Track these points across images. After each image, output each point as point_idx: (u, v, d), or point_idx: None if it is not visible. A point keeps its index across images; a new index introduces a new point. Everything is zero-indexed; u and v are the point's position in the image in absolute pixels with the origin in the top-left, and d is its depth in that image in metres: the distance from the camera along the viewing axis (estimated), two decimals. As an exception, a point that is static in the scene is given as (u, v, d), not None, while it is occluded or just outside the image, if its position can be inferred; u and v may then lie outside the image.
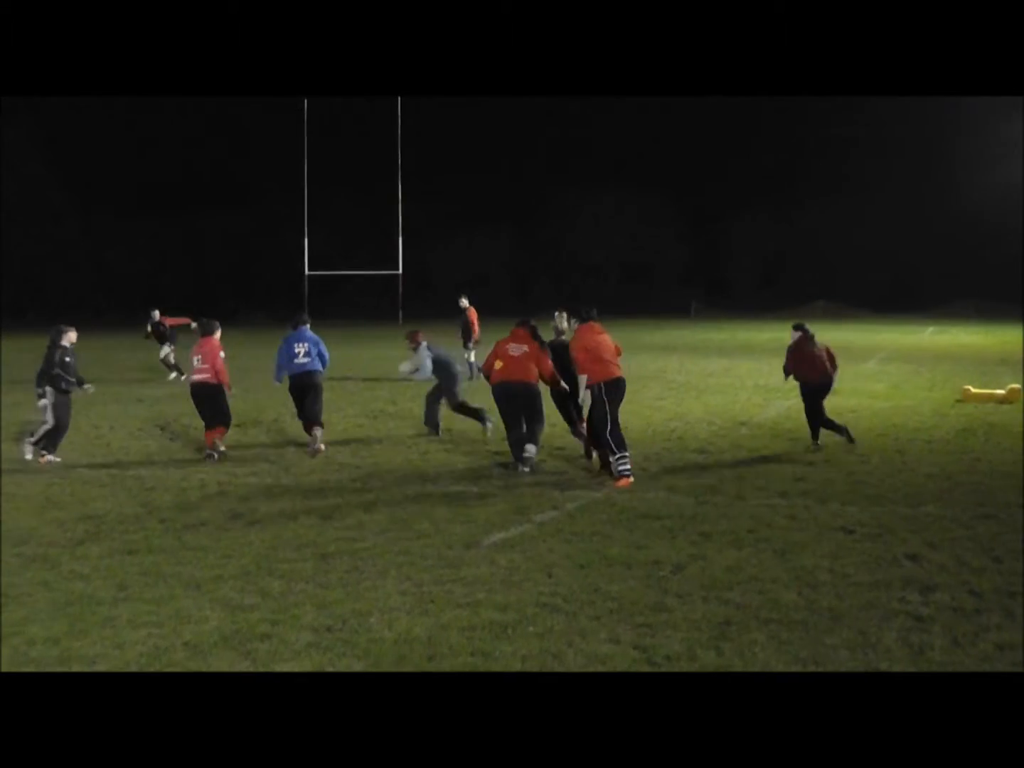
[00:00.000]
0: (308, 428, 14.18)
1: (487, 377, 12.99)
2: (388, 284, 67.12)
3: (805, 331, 14.08)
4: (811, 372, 13.70)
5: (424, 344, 15.51)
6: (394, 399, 20.34)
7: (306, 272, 61.15)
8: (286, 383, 14.57)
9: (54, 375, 13.30)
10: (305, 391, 14.28)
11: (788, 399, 19.16)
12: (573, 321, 12.68)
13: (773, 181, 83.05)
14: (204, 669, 5.95)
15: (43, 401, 13.36)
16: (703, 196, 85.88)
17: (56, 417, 13.39)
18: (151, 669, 5.99)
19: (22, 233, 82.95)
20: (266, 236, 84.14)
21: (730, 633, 6.46)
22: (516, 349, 12.57)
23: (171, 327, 26.40)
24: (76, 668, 6.03)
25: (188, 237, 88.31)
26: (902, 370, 26.18)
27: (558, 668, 5.89)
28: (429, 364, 15.37)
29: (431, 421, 15.47)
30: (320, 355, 14.54)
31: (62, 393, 13.40)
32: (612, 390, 11.70)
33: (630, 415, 16.70)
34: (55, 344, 13.53)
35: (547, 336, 13.08)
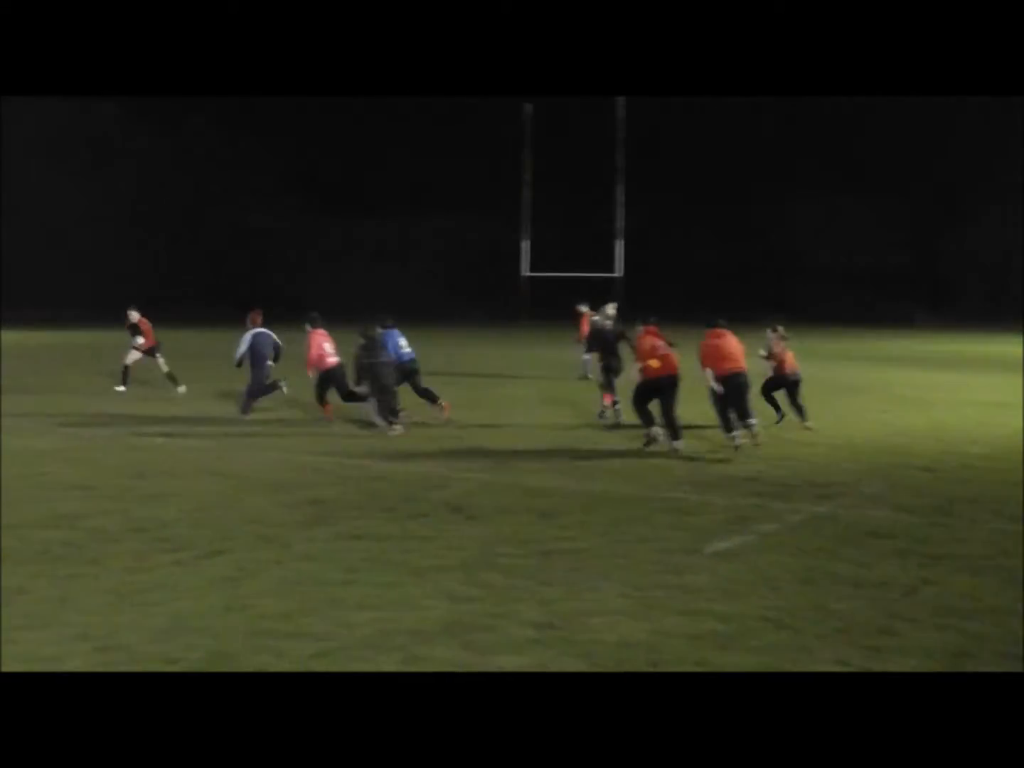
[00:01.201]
0: (433, 399, 16.95)
1: (640, 371, 14.33)
2: (607, 287, 67.12)
3: (720, 327, 14.92)
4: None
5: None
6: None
7: (525, 273, 61.80)
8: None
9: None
10: (413, 374, 17.01)
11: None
12: None
13: (1003, 183, 78.92)
14: (428, 655, 6.05)
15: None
16: (928, 199, 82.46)
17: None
18: (378, 651, 6.14)
19: (247, 234, 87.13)
20: (487, 237, 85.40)
21: (965, 664, 6.15)
22: (664, 347, 14.30)
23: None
24: (307, 643, 6.25)
25: (409, 237, 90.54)
26: None
27: (783, 684, 5.74)
28: (243, 346, 17.82)
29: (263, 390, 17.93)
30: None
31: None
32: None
33: (850, 427, 16.23)
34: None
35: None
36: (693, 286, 76.23)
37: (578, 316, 26.52)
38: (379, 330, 17.23)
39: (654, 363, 14.16)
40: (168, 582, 7.62)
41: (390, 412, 15.74)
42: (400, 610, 6.92)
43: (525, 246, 66.28)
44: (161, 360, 21.87)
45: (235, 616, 6.79)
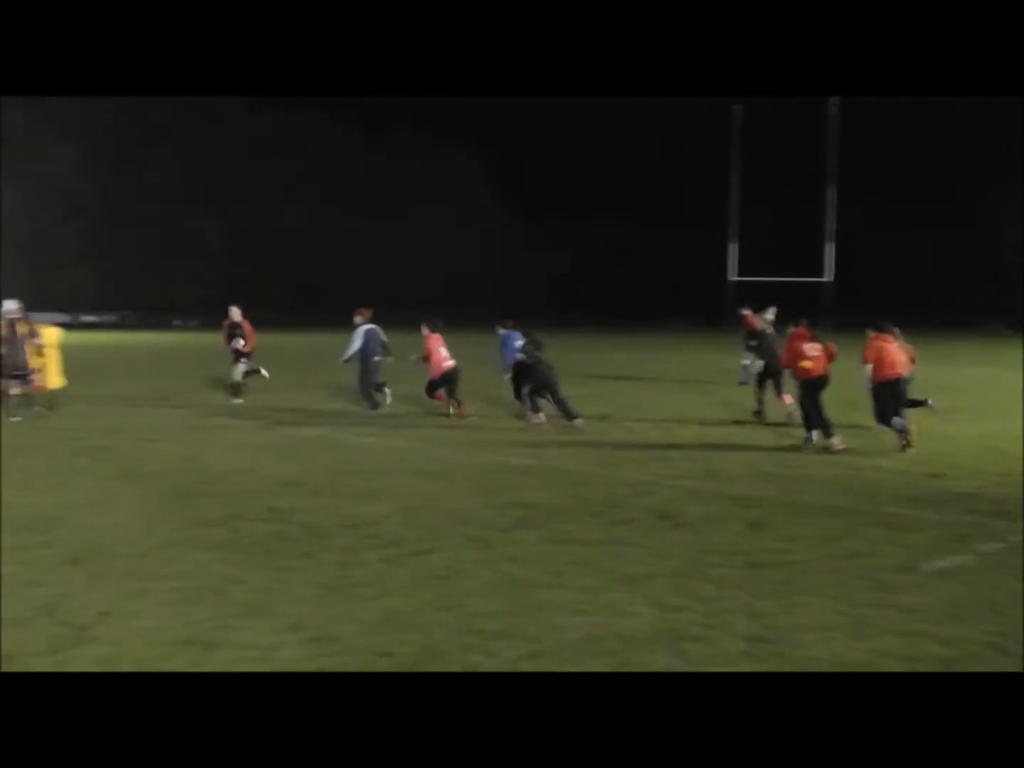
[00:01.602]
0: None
1: (795, 373, 15.20)
2: (816, 292, 65.52)
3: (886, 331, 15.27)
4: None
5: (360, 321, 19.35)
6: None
7: (732, 278, 61.03)
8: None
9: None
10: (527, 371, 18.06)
11: None
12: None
13: None
14: (639, 662, 5.99)
15: None
16: None
17: None
18: (589, 655, 6.11)
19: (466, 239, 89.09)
20: (693, 240, 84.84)
21: None
22: (813, 349, 14.99)
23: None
24: (517, 644, 6.28)
25: (616, 240, 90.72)
26: None
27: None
28: (357, 343, 19.12)
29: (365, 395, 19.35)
30: None
31: None
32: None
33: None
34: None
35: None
36: (906, 290, 73.80)
37: (740, 319, 25.77)
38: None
39: (806, 364, 14.97)
40: (378, 578, 7.80)
41: (534, 405, 17.03)
42: (609, 616, 6.88)
43: (732, 249, 65.33)
44: (244, 367, 21.35)
45: (445, 614, 6.88)
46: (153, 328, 73.78)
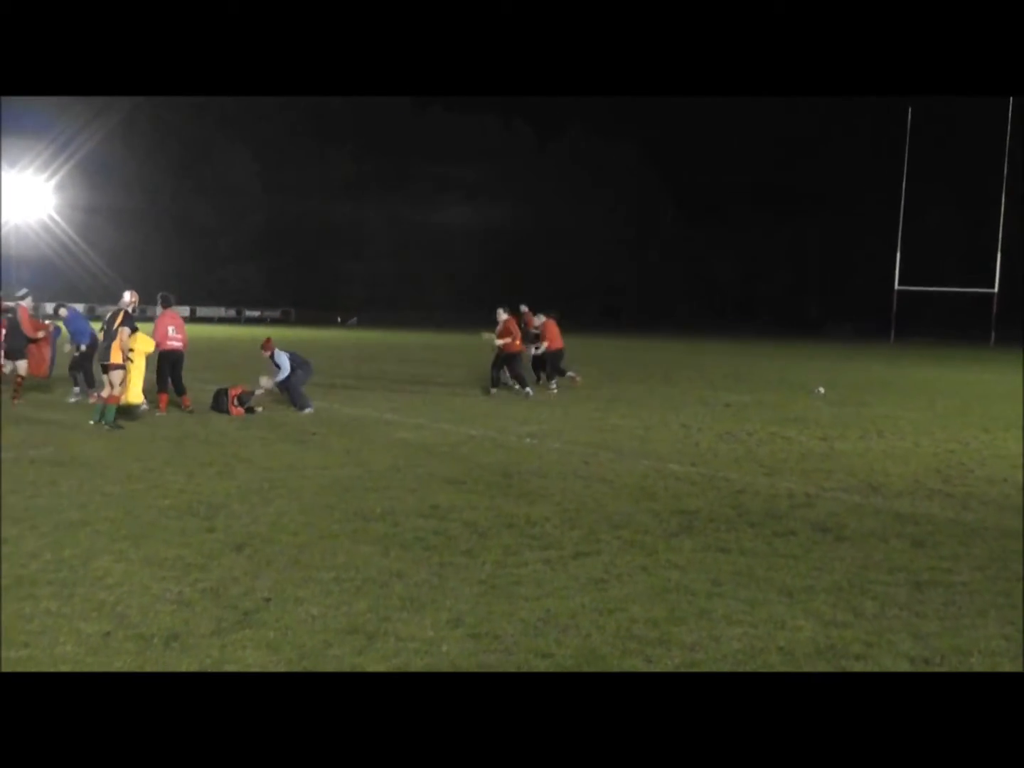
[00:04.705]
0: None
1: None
2: (981, 303, 63.43)
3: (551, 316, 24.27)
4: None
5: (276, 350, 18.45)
6: (988, 428, 19.23)
7: (896, 287, 59.55)
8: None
9: None
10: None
11: None
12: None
13: None
14: (797, 674, 5.98)
15: None
16: None
17: None
18: (747, 668, 6.10)
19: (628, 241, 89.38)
20: (859, 246, 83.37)
21: None
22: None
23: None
24: (675, 652, 6.30)
25: (781, 243, 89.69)
26: None
27: None
28: (286, 363, 18.18)
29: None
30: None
31: None
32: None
33: None
34: None
35: None
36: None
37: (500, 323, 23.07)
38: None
39: (517, 341, 22.50)
40: (537, 578, 7.89)
41: None
42: (769, 628, 6.84)
43: (897, 258, 63.48)
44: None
45: (604, 618, 6.93)
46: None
